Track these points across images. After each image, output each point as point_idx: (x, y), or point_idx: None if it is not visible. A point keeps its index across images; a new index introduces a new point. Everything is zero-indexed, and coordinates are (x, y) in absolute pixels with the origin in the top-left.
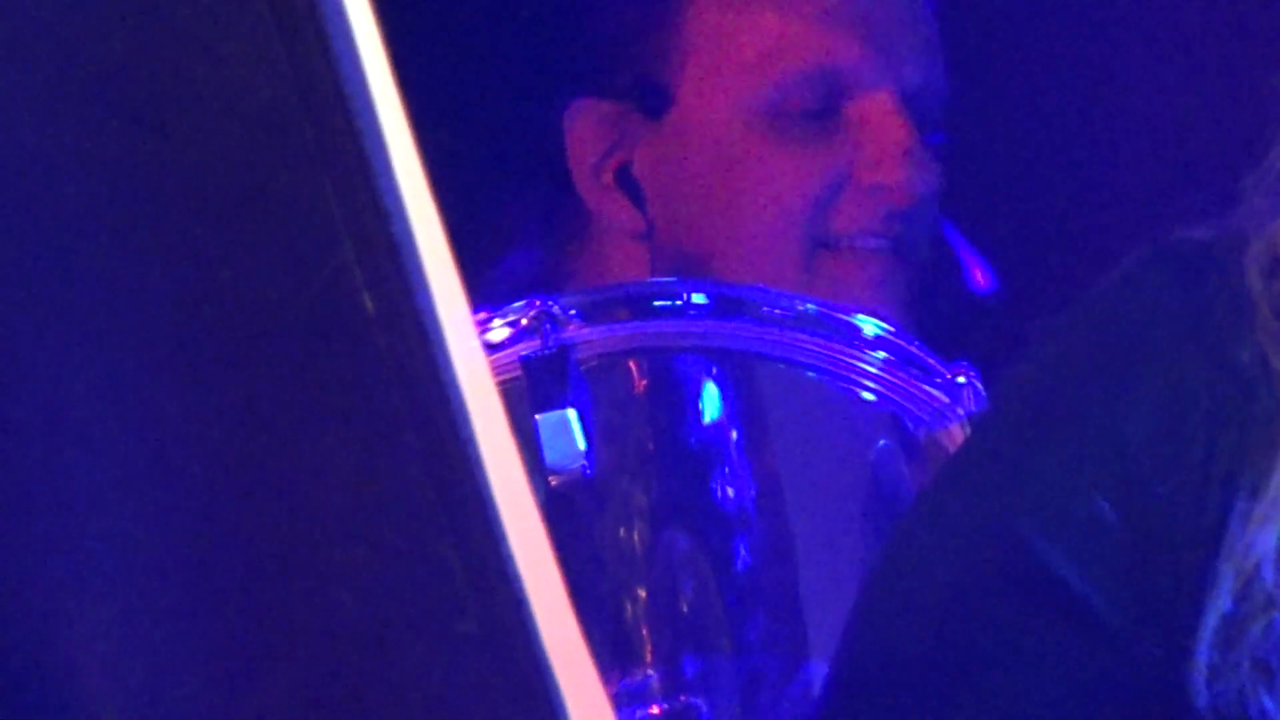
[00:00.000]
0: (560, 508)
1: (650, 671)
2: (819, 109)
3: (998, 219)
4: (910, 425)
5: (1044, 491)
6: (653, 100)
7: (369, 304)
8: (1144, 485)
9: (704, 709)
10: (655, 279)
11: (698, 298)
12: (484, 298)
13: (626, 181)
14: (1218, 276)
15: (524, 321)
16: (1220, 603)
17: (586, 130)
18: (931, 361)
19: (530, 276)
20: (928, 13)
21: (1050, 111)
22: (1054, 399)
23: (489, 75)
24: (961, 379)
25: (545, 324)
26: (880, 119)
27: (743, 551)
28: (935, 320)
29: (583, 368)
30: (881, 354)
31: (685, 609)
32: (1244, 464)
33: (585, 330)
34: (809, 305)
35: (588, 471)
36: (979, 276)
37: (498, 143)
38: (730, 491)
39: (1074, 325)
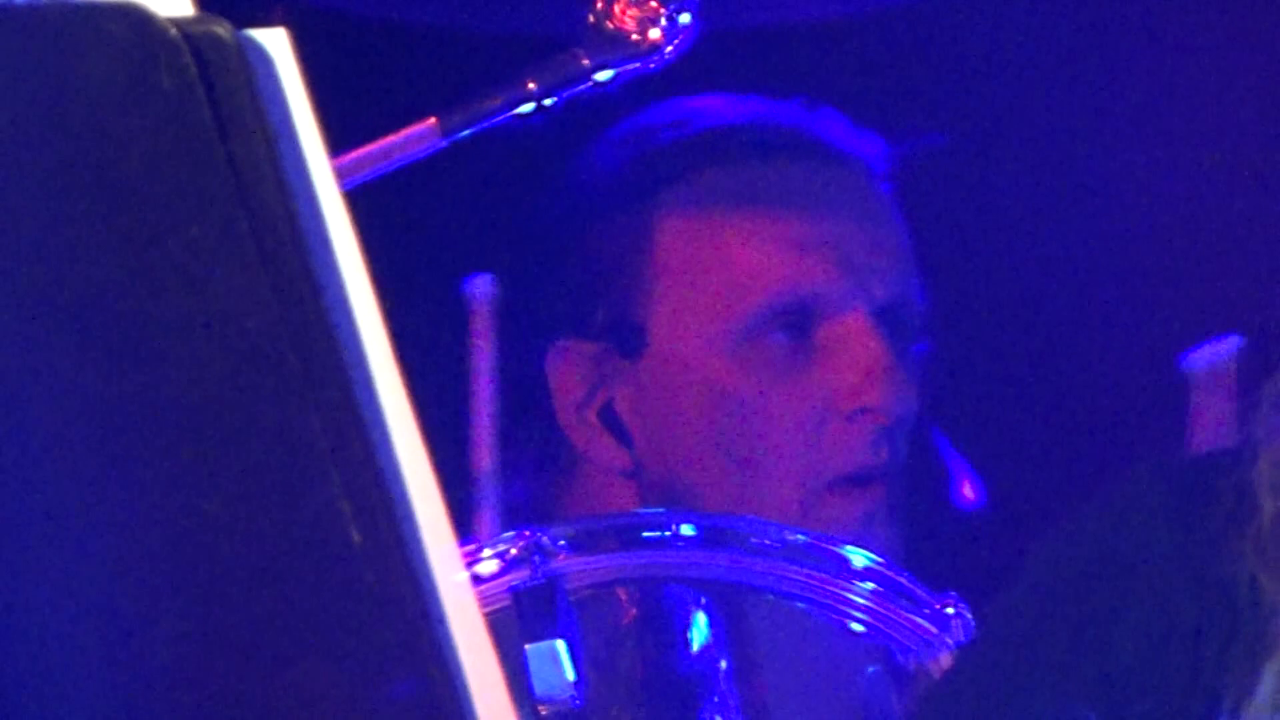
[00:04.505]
0: None
1: None
2: (793, 336)
3: (988, 430)
4: (899, 656)
5: (1032, 702)
6: (629, 339)
7: (356, 536)
8: (1128, 698)
9: None
10: (643, 510)
11: (686, 529)
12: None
13: (611, 419)
14: (1208, 494)
15: (513, 552)
16: None
17: (568, 371)
18: (920, 592)
19: (524, 508)
20: (898, 225)
21: (1040, 317)
22: (1044, 613)
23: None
24: (950, 609)
25: (534, 555)
26: (853, 342)
27: None
28: (923, 538)
29: (572, 598)
30: (870, 585)
31: None
32: (1227, 678)
33: (574, 561)
34: (798, 536)
35: (577, 702)
36: (968, 490)
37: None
38: None
39: (1065, 542)
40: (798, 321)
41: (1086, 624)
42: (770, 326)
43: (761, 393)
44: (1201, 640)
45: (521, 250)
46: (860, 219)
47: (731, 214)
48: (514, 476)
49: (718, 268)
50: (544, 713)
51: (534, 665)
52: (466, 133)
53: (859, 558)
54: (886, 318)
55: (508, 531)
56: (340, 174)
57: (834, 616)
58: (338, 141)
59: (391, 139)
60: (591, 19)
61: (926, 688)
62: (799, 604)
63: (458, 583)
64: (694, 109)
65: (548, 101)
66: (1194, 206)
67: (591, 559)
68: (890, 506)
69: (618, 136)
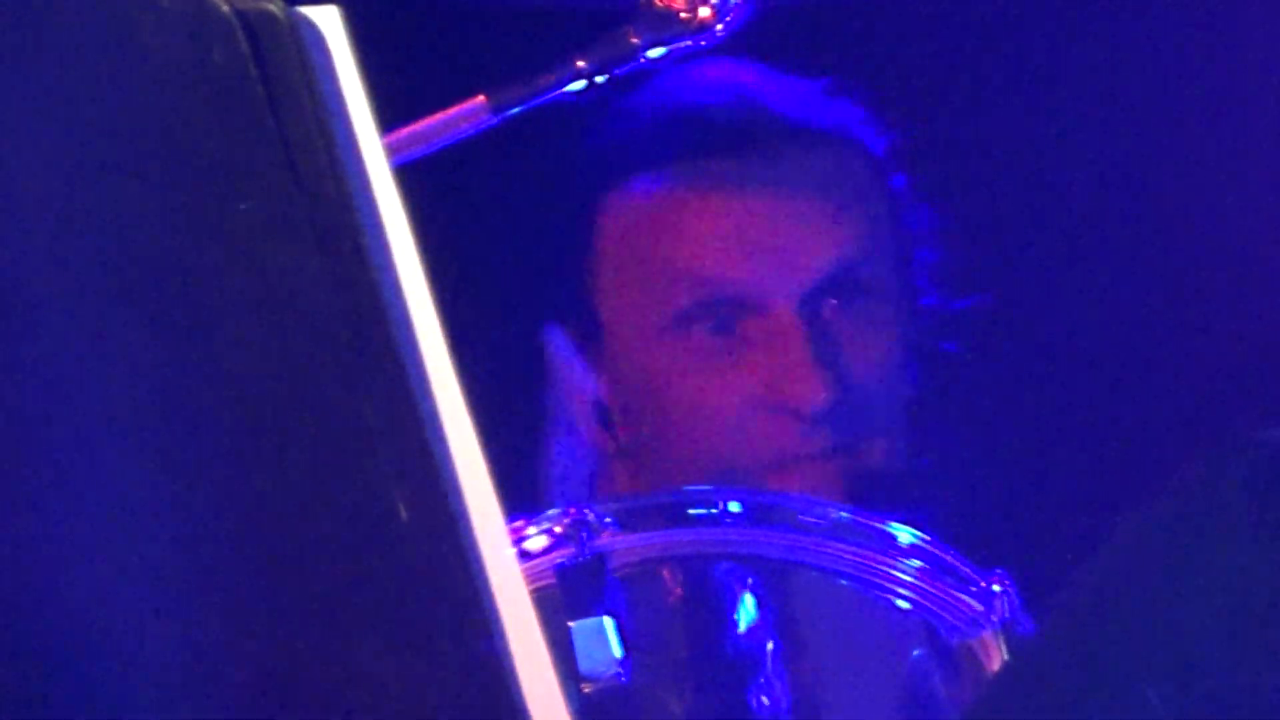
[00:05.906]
0: (594, 716)
1: None
2: (719, 329)
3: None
4: (944, 633)
5: (1100, 680)
6: (588, 325)
7: (404, 513)
8: (1199, 676)
9: None
10: (691, 487)
11: (733, 506)
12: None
13: (598, 402)
14: None
15: (559, 529)
16: None
17: (559, 354)
18: (966, 569)
19: (576, 466)
20: (846, 190)
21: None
22: (1117, 591)
23: (488, 298)
24: (997, 587)
25: (581, 531)
26: (773, 338)
27: None
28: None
29: (618, 575)
30: (916, 562)
31: None
32: None
33: (621, 538)
34: (843, 513)
35: (623, 679)
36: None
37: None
38: (766, 700)
39: (1143, 518)
40: (724, 314)
41: (1159, 601)
42: (697, 320)
43: (693, 384)
44: (1275, 617)
45: (515, 232)
46: (796, 200)
47: (665, 208)
48: (557, 465)
49: (650, 260)
50: (589, 690)
51: (579, 642)
52: (516, 110)
53: (905, 535)
54: (827, 291)
55: (553, 509)
56: (391, 151)
57: (880, 593)
58: (388, 118)
59: (442, 116)
60: None
61: (999, 665)
62: (845, 581)
63: (505, 559)
64: (648, 94)
65: (599, 79)
66: (1239, 158)
67: (638, 536)
68: (840, 479)
69: (590, 121)
